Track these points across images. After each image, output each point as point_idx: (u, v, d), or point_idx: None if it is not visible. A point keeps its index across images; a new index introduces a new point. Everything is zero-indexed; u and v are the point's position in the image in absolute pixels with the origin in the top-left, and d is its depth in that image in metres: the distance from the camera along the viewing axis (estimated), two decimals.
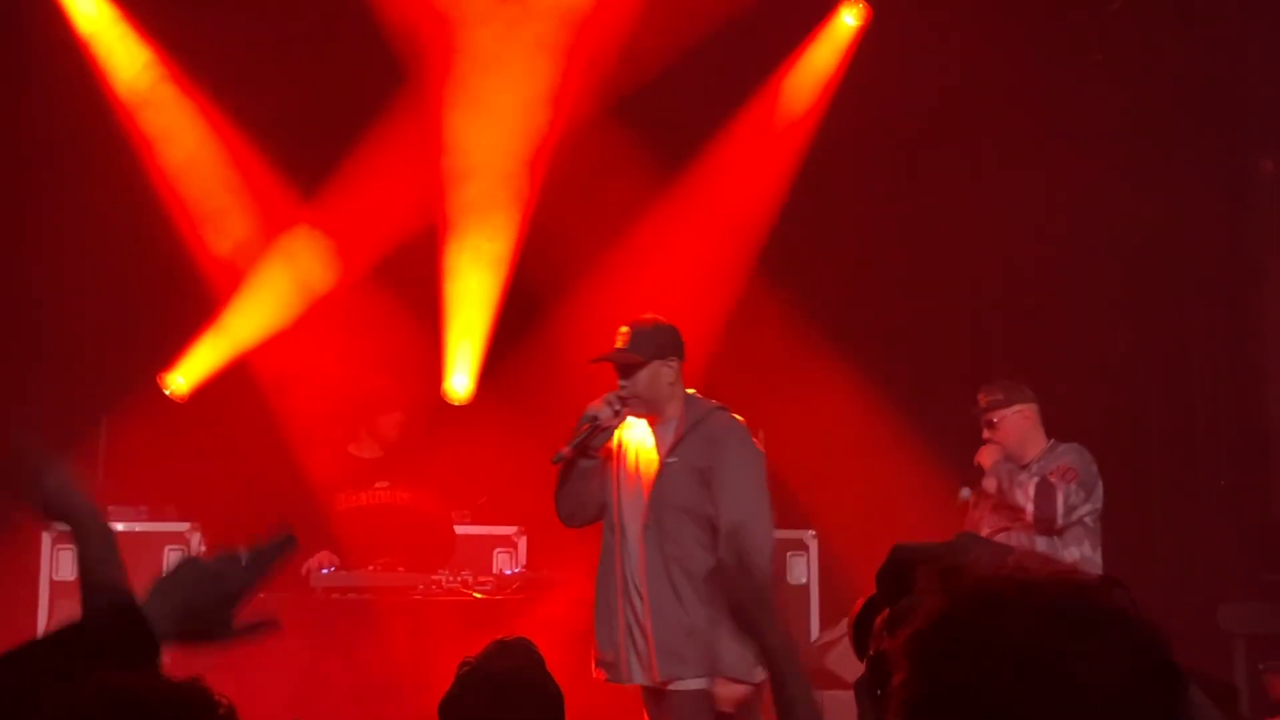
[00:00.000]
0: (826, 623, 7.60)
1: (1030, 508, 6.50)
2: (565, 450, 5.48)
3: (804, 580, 7.69)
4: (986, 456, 6.77)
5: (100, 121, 7.92)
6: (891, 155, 8.63)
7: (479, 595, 6.74)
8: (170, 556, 7.59)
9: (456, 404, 8.07)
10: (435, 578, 6.80)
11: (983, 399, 6.80)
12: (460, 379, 8.06)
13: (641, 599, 5.46)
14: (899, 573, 1.61)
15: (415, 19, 7.93)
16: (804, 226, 8.41)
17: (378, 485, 7.23)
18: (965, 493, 6.88)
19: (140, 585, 2.23)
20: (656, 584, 5.42)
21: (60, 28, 7.92)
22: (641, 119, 8.12)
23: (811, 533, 7.71)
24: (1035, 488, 6.54)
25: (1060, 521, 6.48)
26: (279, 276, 8.14)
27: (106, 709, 1.85)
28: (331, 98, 7.97)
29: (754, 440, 5.54)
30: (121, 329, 8.07)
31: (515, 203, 8.07)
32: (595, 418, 5.46)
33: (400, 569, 6.90)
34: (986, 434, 6.79)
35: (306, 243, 8.18)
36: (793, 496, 7.52)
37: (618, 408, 5.49)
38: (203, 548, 7.25)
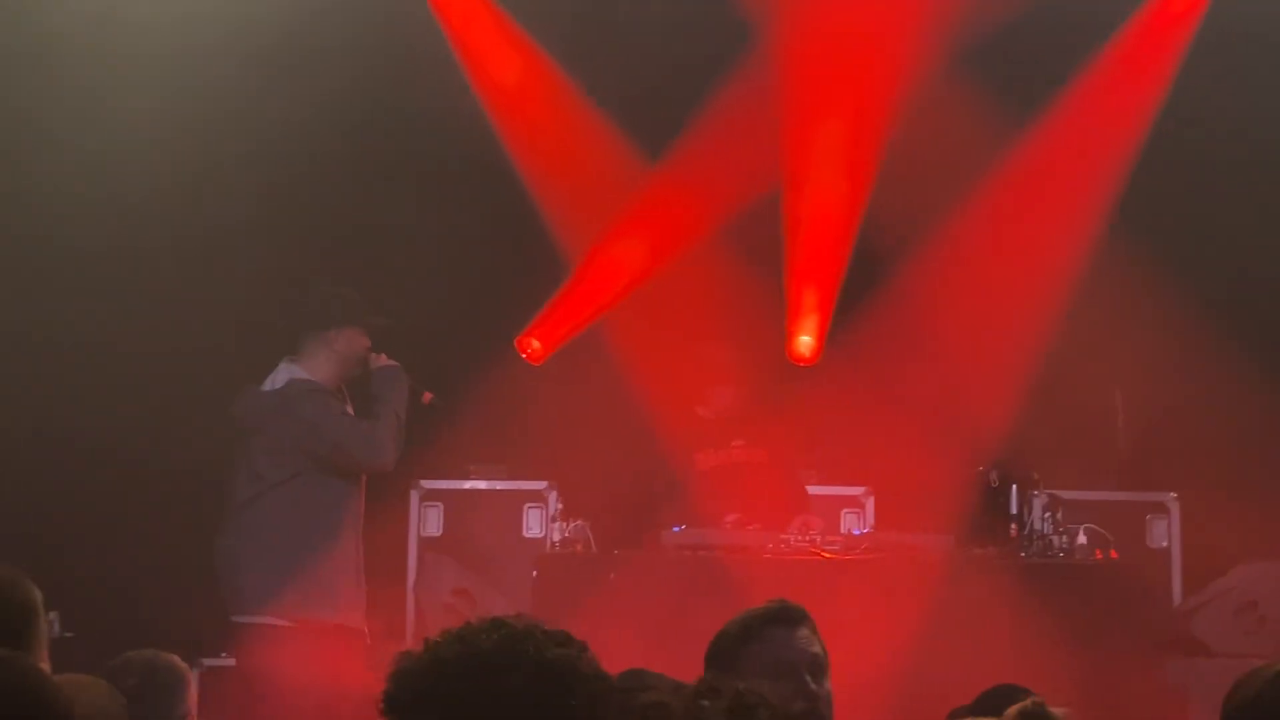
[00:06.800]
0: (1189, 588, 7.34)
1: None
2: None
3: (1165, 544, 7.46)
4: None
5: (457, 94, 8.15)
6: (1258, 96, 8.13)
7: (828, 554, 6.76)
8: (529, 515, 7.86)
9: (801, 364, 8.07)
10: (784, 537, 6.84)
11: None
12: (805, 339, 8.06)
13: None
14: None
15: None
16: (1163, 179, 8.05)
17: (735, 444, 7.34)
18: None
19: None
20: None
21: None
22: (990, 70, 7.90)
23: (1173, 495, 7.48)
24: None
25: None
26: (629, 242, 8.29)
27: None
28: (676, 61, 8.02)
29: None
30: (481, 297, 8.34)
31: (860, 160, 8.00)
32: None
33: (754, 526, 6.97)
34: None
35: (655, 208, 8.31)
36: (1149, 458, 7.27)
37: None
38: (560, 506, 7.46)
